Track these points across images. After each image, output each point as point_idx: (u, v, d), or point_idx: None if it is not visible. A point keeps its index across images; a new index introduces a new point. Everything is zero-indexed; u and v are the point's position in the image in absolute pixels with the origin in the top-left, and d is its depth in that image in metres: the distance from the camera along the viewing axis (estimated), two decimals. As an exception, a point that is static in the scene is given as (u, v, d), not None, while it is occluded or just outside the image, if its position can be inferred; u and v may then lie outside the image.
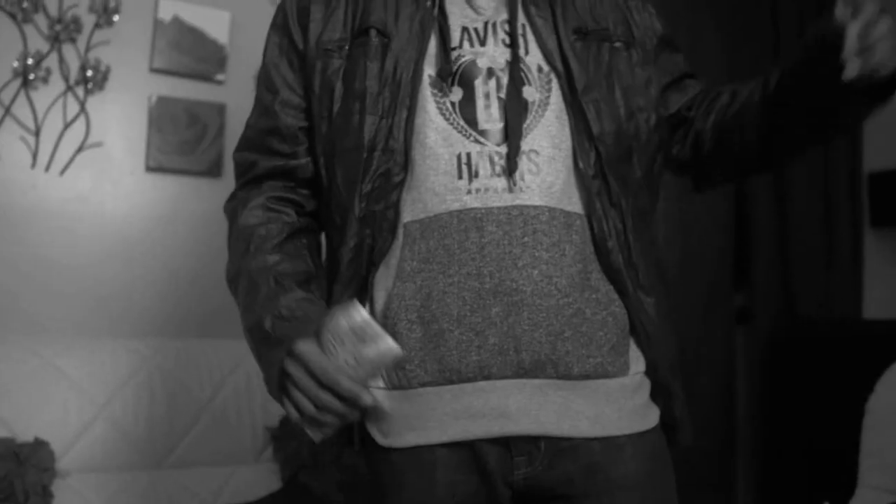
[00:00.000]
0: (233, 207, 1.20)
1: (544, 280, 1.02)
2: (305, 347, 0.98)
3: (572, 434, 1.04)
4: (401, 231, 1.06)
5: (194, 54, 2.60)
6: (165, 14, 2.57)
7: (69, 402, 2.15)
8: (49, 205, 2.42)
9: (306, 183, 1.18)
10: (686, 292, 3.05)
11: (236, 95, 2.62)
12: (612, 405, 1.06)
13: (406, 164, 1.06)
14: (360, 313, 0.96)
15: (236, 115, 2.60)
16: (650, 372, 1.13)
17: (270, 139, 1.18)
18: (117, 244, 2.49)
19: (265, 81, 1.20)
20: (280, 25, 1.20)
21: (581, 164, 1.06)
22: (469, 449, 1.04)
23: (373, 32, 1.11)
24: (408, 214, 1.06)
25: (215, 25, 2.63)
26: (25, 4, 2.41)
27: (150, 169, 2.54)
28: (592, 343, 1.04)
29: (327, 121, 1.12)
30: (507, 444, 1.03)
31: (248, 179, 1.20)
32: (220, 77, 2.63)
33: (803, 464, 2.95)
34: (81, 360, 2.23)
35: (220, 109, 2.61)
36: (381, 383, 1.07)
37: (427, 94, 1.08)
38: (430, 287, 1.03)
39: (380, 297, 1.08)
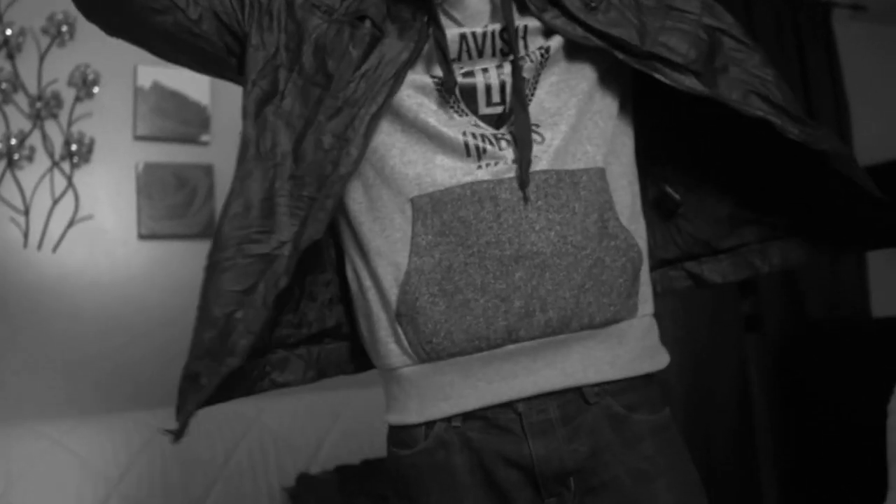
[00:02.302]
0: None
1: (560, 240, 1.03)
2: None
3: (596, 380, 1.05)
4: (408, 206, 1.05)
5: (177, 118, 2.59)
6: (145, 81, 2.56)
7: (82, 483, 2.13)
8: (44, 283, 2.40)
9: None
10: (692, 303, 3.03)
11: (223, 155, 2.62)
12: (624, 346, 1.08)
13: (359, 158, 1.04)
14: None
15: (224, 174, 2.59)
16: None
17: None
18: (116, 316, 2.47)
19: None
20: None
21: (688, 90, 1.07)
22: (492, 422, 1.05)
23: (367, 22, 1.09)
24: (412, 189, 1.05)
25: (196, 87, 2.62)
26: (4, 85, 2.41)
27: (142, 237, 2.52)
28: (613, 290, 1.05)
29: (287, 72, 1.09)
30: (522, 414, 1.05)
31: None
32: (205, 138, 2.62)
33: (829, 471, 2.92)
34: (90, 438, 2.20)
35: (208, 170, 2.60)
36: (408, 359, 1.06)
37: (409, 101, 1.07)
38: (450, 259, 1.03)
39: (386, 270, 1.07)
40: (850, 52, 3.62)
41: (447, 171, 1.04)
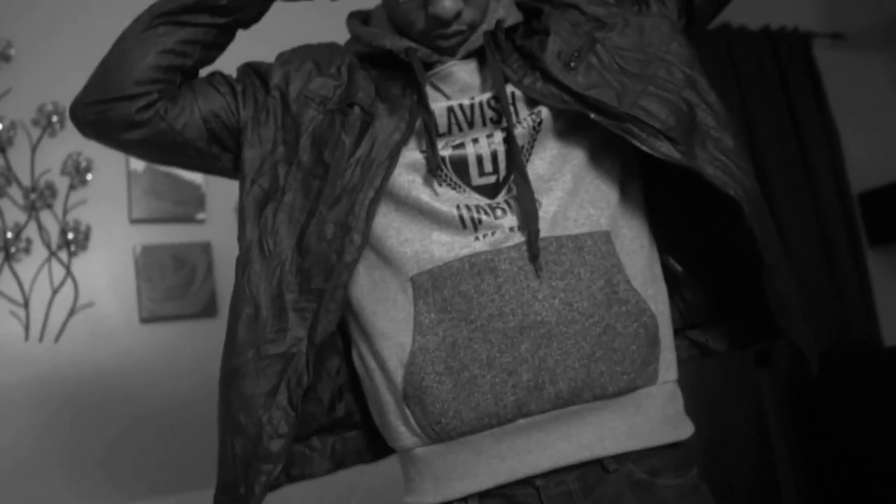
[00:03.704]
0: None
1: (565, 308, 1.00)
2: None
3: (612, 451, 1.02)
4: (409, 285, 1.04)
5: (172, 198, 2.59)
6: (138, 164, 2.57)
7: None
8: (47, 375, 2.38)
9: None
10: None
11: (220, 231, 2.62)
12: (643, 415, 1.05)
13: (363, 244, 1.04)
14: None
15: (222, 251, 2.59)
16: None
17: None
18: (121, 404, 2.43)
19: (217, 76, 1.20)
20: (252, 67, 1.20)
21: (663, 158, 1.05)
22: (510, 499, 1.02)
23: (356, 109, 1.10)
24: (411, 267, 1.04)
25: (188, 166, 2.63)
26: (-2, 180, 2.42)
27: (144, 320, 2.50)
28: (626, 358, 1.02)
29: (285, 166, 1.10)
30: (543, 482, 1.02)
31: None
32: (201, 216, 2.62)
33: (852, 502, 2.86)
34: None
35: (206, 248, 2.60)
36: (418, 440, 1.04)
37: (401, 179, 1.07)
38: (454, 336, 1.01)
39: (391, 352, 1.05)
40: (833, 81, 3.65)
41: (444, 246, 1.03)
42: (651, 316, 1.06)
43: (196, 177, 2.63)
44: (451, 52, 1.13)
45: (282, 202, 1.09)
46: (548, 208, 1.05)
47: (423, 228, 1.05)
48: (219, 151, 1.16)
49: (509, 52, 1.13)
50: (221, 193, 2.64)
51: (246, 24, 1.19)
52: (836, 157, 3.55)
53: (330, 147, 1.09)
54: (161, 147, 1.15)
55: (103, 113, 1.11)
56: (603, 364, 1.01)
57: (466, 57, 1.14)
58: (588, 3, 1.17)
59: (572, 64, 1.09)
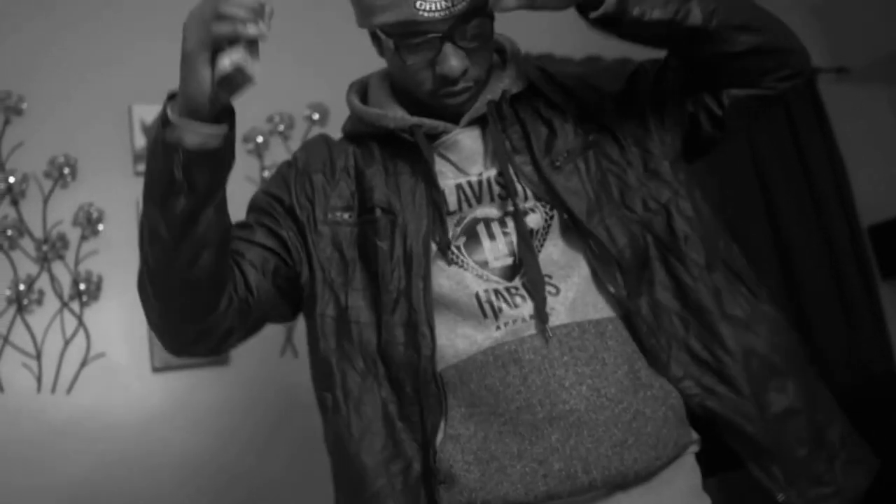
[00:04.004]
0: None
1: (594, 394, 1.00)
2: None
3: None
4: (438, 378, 1.05)
5: (183, 247, 2.60)
6: (149, 213, 2.58)
7: None
8: (60, 427, 2.36)
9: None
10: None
11: (231, 279, 2.61)
12: (673, 486, 1.05)
13: (432, 333, 1.06)
14: None
15: (234, 298, 2.59)
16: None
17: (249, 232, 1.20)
18: (135, 454, 2.42)
19: (258, 210, 1.22)
20: (281, 180, 1.23)
21: (607, 284, 1.07)
22: None
23: (378, 211, 1.13)
24: (439, 363, 1.06)
25: (199, 214, 2.64)
26: (10, 232, 2.43)
27: (156, 370, 2.50)
28: (659, 443, 1.02)
29: (344, 288, 1.13)
30: None
31: None
32: (211, 264, 2.62)
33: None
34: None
35: (217, 296, 2.59)
36: None
37: (438, 261, 1.10)
38: (484, 430, 1.02)
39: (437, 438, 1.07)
40: (839, 114, 3.66)
41: (467, 339, 1.05)
42: (676, 397, 1.06)
43: (207, 225, 2.64)
44: (455, 120, 1.16)
45: (352, 323, 1.12)
46: (566, 294, 1.06)
47: (448, 321, 1.07)
48: (290, 298, 1.21)
49: (511, 121, 1.16)
50: (232, 241, 2.65)
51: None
52: (845, 190, 3.55)
53: (371, 257, 1.12)
54: (256, 328, 1.22)
55: (200, 347, 1.16)
56: (636, 450, 1.01)
57: (471, 123, 1.16)
58: (604, 97, 1.20)
59: (557, 163, 1.12)
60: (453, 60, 1.08)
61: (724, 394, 1.05)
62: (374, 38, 1.18)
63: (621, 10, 1.03)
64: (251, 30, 0.90)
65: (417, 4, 1.05)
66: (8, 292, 2.40)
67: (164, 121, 0.96)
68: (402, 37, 1.09)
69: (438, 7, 1.05)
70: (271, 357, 2.59)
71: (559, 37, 3.32)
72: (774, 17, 1.13)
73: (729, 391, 1.05)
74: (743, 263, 1.16)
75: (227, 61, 0.91)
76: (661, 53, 1.22)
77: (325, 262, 1.15)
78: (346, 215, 1.16)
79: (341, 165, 1.20)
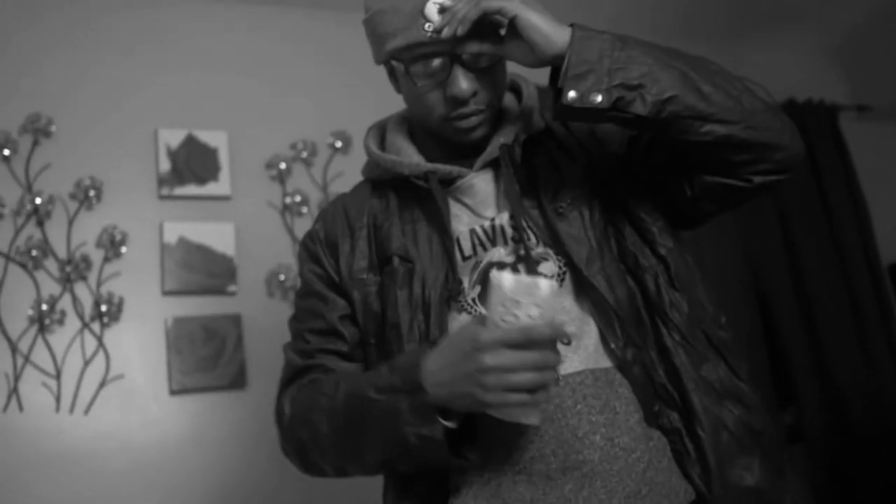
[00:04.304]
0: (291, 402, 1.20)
1: (607, 444, 1.00)
2: (487, 334, 0.92)
3: None
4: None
5: (204, 270, 2.62)
6: (171, 237, 2.61)
7: None
8: (77, 446, 2.38)
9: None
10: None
11: (249, 304, 2.64)
12: None
13: None
14: (508, 274, 0.93)
15: (252, 323, 2.61)
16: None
17: (327, 339, 1.21)
18: (150, 475, 2.43)
19: (314, 294, 1.24)
20: (313, 256, 1.26)
21: (606, 333, 1.07)
22: None
23: (396, 260, 1.15)
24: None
25: (220, 239, 2.67)
26: (35, 252, 2.46)
27: (173, 392, 2.51)
28: (671, 492, 1.02)
29: (375, 347, 1.16)
30: None
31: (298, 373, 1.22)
32: (232, 288, 2.64)
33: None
34: None
35: (236, 320, 2.61)
36: None
37: (454, 311, 1.11)
38: (498, 479, 1.02)
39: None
40: (860, 152, 3.66)
41: None
42: (677, 443, 1.06)
43: (228, 249, 2.67)
44: (469, 164, 1.17)
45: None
46: (578, 343, 1.06)
47: None
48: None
49: (523, 165, 1.17)
50: (253, 266, 2.68)
51: None
52: (865, 228, 3.54)
53: (391, 306, 1.14)
54: None
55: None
56: (650, 500, 1.00)
57: (484, 166, 1.18)
58: (608, 155, 1.20)
59: (561, 209, 1.13)
60: (463, 82, 1.09)
61: (694, 461, 1.04)
62: (391, 74, 1.20)
63: (559, 92, 1.02)
64: (535, 415, 0.93)
65: (426, 27, 1.08)
66: (31, 312, 2.43)
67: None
68: (412, 60, 1.11)
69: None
70: (288, 382, 2.59)
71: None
72: (763, 107, 1.06)
73: (698, 459, 1.04)
74: (727, 337, 1.14)
75: (528, 419, 0.94)
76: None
77: (361, 327, 1.19)
78: (369, 275, 1.18)
79: (359, 225, 1.23)
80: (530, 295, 0.90)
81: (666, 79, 1.00)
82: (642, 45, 1.03)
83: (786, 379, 3.26)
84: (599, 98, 0.99)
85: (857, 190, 3.59)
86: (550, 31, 1.01)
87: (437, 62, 1.10)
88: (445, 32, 1.05)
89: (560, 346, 1.02)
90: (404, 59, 1.12)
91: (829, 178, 3.55)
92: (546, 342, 0.91)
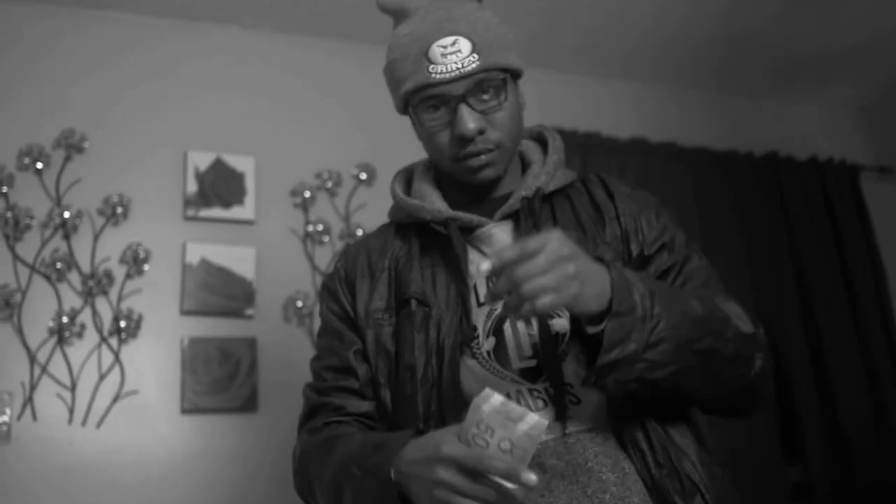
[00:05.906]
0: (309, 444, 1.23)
1: (618, 503, 1.00)
2: (448, 449, 0.89)
3: None
4: None
5: (223, 293, 2.66)
6: (193, 257, 2.65)
7: None
8: (88, 459, 2.40)
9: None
10: (736, 472, 2.94)
11: (266, 328, 2.67)
12: None
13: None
14: (498, 396, 0.89)
15: (267, 347, 2.63)
16: None
17: (341, 376, 1.23)
18: (159, 492, 2.44)
19: (331, 333, 1.26)
20: (332, 294, 1.29)
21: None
22: None
23: (413, 303, 1.16)
24: None
25: (241, 262, 2.70)
26: (59, 265, 2.50)
27: (185, 411, 2.53)
28: None
29: (386, 387, 1.17)
30: None
31: (315, 413, 1.25)
32: (249, 312, 2.67)
33: None
34: None
35: (252, 343, 2.64)
36: None
37: (466, 358, 1.12)
38: None
39: None
40: (880, 213, 3.66)
41: None
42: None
43: (248, 273, 2.70)
44: (490, 214, 1.20)
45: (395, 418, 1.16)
46: (588, 402, 1.07)
47: None
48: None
49: (546, 218, 1.19)
50: (271, 291, 2.71)
51: None
52: (882, 290, 3.54)
53: (408, 348, 1.15)
54: None
55: None
56: None
57: (505, 218, 1.20)
58: (642, 242, 1.19)
59: None
60: (468, 121, 1.12)
61: None
62: (412, 119, 1.23)
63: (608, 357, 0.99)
64: None
65: (430, 69, 1.12)
66: (51, 323, 2.47)
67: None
68: (422, 101, 1.16)
69: (448, 69, 1.12)
70: (299, 405, 2.60)
71: (609, 116, 3.39)
72: (748, 379, 1.12)
73: None
74: (705, 430, 1.16)
75: None
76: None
77: (373, 366, 1.21)
78: (385, 315, 1.20)
79: (380, 267, 1.25)
80: (505, 429, 0.87)
81: (682, 374, 1.02)
82: (671, 328, 1.00)
83: (794, 436, 3.24)
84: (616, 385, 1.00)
85: (876, 251, 3.59)
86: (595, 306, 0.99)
87: (445, 102, 1.14)
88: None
89: (569, 407, 1.04)
90: (413, 103, 1.17)
91: (849, 238, 3.56)
92: (506, 477, 0.87)
